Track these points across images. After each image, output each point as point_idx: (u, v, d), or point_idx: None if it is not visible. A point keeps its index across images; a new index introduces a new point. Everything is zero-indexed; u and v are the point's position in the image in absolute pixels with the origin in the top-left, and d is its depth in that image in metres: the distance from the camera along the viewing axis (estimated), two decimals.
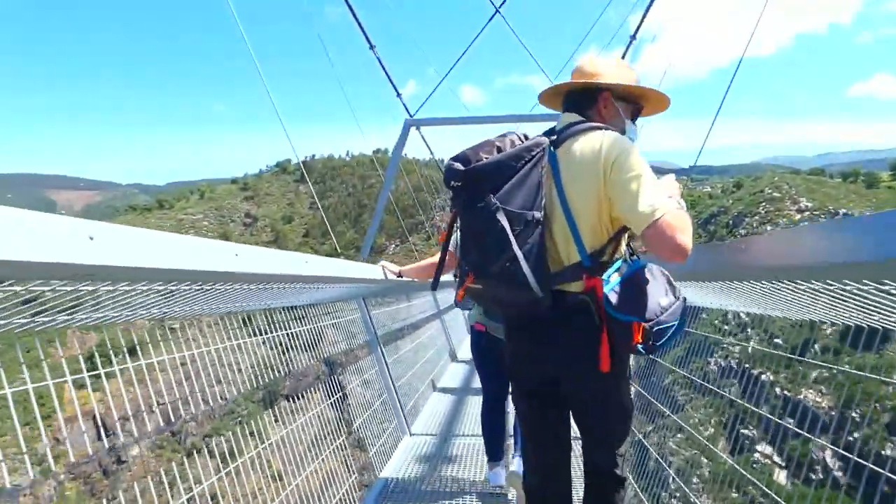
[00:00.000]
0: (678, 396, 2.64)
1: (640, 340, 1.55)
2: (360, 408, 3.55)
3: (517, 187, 1.59)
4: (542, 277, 1.55)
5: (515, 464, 3.26)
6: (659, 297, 1.58)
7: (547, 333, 1.70)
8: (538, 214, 1.56)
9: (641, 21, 8.97)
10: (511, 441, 3.50)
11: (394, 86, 9.92)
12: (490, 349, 3.25)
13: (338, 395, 3.08)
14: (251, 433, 2.26)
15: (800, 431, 2.14)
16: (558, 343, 1.69)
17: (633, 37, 9.34)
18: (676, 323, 1.59)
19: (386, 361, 4.12)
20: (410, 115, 10.02)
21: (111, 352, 1.56)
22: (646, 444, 2.91)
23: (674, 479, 2.54)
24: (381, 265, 2.96)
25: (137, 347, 1.82)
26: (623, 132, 1.71)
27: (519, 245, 1.55)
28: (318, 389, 3.00)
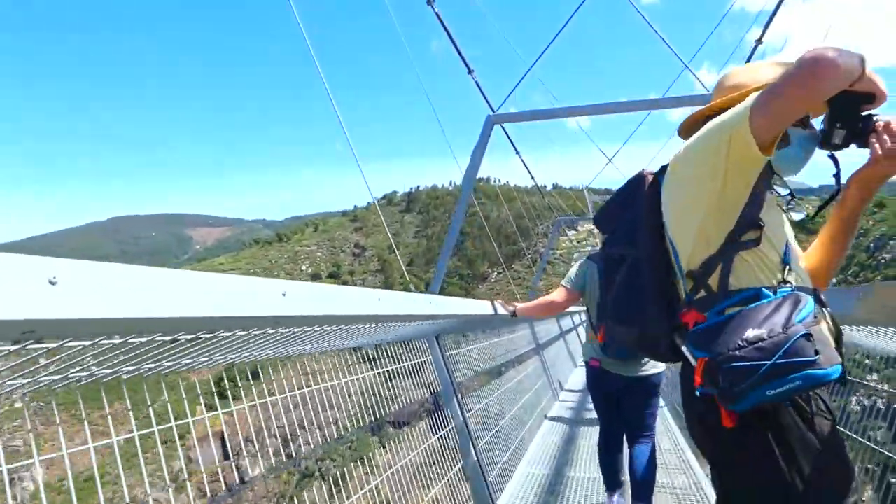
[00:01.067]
0: None
1: (700, 382, 1.18)
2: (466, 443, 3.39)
3: (618, 228, 1.61)
4: (618, 316, 1.55)
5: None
6: (748, 327, 1.14)
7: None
8: (624, 251, 1.54)
9: (767, 24, 8.13)
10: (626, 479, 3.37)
11: (488, 103, 9.26)
12: (603, 385, 3.30)
13: (444, 431, 3.05)
14: (360, 458, 2.32)
15: None
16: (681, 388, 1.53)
17: (759, 41, 8.49)
18: (769, 362, 1.08)
19: (465, 418, 3.27)
20: (493, 111, 7.93)
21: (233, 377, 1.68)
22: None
23: None
24: (495, 302, 3.11)
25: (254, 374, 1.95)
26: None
27: (607, 286, 1.60)
28: (425, 418, 3.00)
